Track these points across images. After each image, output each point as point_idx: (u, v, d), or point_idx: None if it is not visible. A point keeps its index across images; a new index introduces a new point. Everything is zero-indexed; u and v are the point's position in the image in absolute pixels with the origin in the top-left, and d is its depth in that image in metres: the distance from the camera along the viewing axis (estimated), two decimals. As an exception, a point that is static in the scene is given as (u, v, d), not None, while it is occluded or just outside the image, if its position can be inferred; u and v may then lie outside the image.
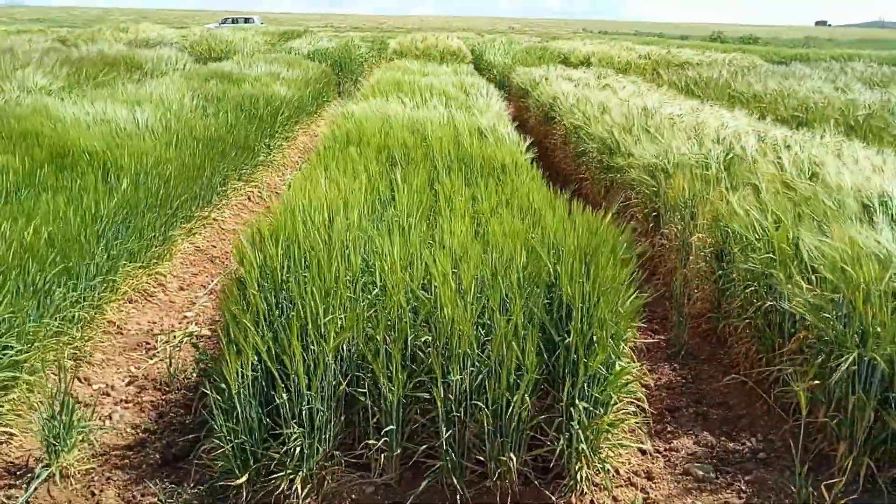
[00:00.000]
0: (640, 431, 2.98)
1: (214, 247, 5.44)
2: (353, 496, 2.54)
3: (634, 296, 2.63)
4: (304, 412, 2.47)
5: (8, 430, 2.76)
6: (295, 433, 2.45)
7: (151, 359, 3.66)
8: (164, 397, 3.30)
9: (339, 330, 2.47)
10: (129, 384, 3.40)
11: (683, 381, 3.62)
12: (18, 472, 2.62)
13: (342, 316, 2.51)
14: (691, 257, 4.23)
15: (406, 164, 3.82)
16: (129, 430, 3.00)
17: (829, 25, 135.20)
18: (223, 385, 2.50)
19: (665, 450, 3.03)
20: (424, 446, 2.56)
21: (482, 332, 2.56)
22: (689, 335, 3.97)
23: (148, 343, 3.84)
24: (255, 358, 2.45)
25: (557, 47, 20.45)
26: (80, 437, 2.70)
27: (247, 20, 33.37)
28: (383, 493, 2.56)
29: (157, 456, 2.78)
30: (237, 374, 2.42)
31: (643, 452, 2.96)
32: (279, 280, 2.60)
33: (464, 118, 5.58)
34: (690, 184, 4.37)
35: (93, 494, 2.54)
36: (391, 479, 2.58)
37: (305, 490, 2.47)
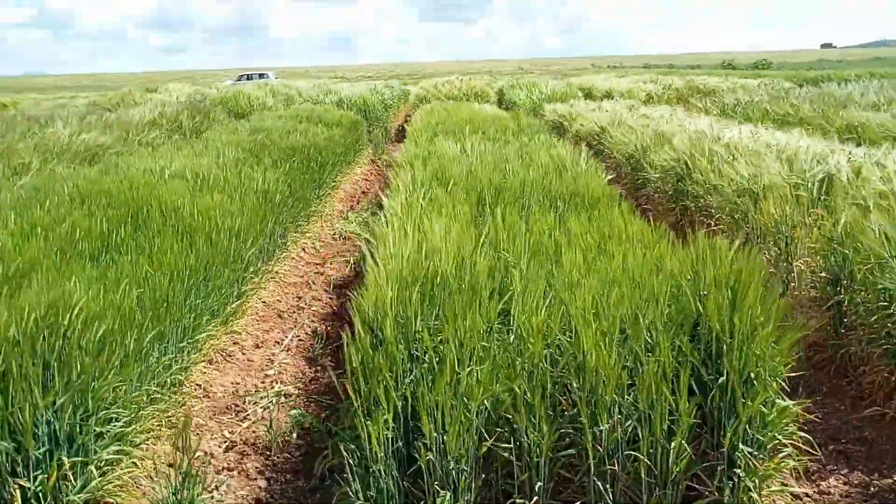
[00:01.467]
0: (786, 473, 2.75)
1: (280, 301, 5.30)
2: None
3: (791, 328, 2.44)
4: (448, 474, 2.28)
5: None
6: (440, 497, 2.26)
7: (243, 422, 3.49)
8: (267, 462, 3.12)
9: (478, 382, 2.29)
10: (227, 450, 3.23)
11: (811, 416, 3.39)
12: (136, 554, 2.44)
13: (479, 368, 2.33)
14: (792, 284, 4.03)
15: (496, 203, 3.68)
16: (241, 502, 2.81)
17: (835, 47, 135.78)
18: (353, 446, 2.33)
19: (816, 493, 2.79)
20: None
21: (625, 376, 2.37)
22: (803, 366, 3.74)
23: (236, 405, 3.67)
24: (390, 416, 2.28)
25: (579, 83, 20.50)
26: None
27: (262, 76, 33.64)
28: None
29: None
30: (373, 433, 2.24)
31: (796, 497, 2.73)
32: (412, 330, 2.43)
33: (535, 152, 5.47)
34: (782, 206, 4.20)
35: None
36: (538, 541, 2.37)
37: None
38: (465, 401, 2.26)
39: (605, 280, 2.61)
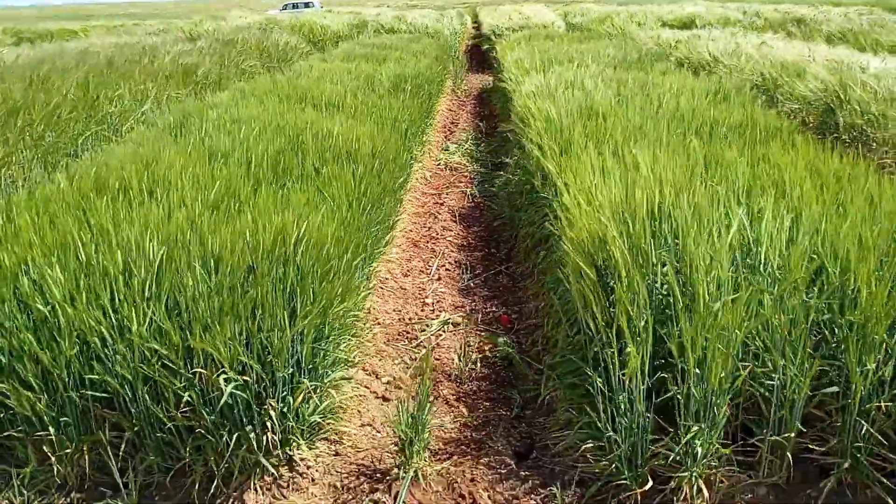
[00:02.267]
0: None
1: (411, 230, 5.27)
2: (747, 497, 2.30)
3: None
4: (702, 407, 2.24)
5: (345, 429, 2.63)
6: (693, 428, 2.22)
7: (417, 348, 3.51)
8: (460, 388, 3.13)
9: (734, 315, 2.21)
10: (413, 376, 3.25)
11: None
12: (371, 475, 2.48)
13: (731, 298, 2.25)
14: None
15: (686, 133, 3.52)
16: (449, 426, 2.84)
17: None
18: (599, 379, 2.30)
19: None
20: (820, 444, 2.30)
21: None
22: None
23: (406, 332, 3.69)
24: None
25: (649, 10, 19.59)
26: (426, 436, 2.54)
27: (307, 5, 32.62)
28: (776, 495, 2.32)
29: (510, 451, 2.61)
30: (617, 365, 2.21)
31: None
32: (649, 262, 2.36)
33: (662, 83, 5.24)
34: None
35: (462, 497, 2.38)
36: (780, 479, 2.33)
37: (696, 490, 2.25)
38: (724, 334, 2.19)
39: (854, 216, 2.48)
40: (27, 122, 4.92)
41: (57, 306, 2.33)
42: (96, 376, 2.31)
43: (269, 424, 2.35)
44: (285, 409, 2.40)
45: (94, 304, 2.33)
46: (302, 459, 2.48)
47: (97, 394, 2.34)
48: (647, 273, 2.40)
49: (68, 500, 2.36)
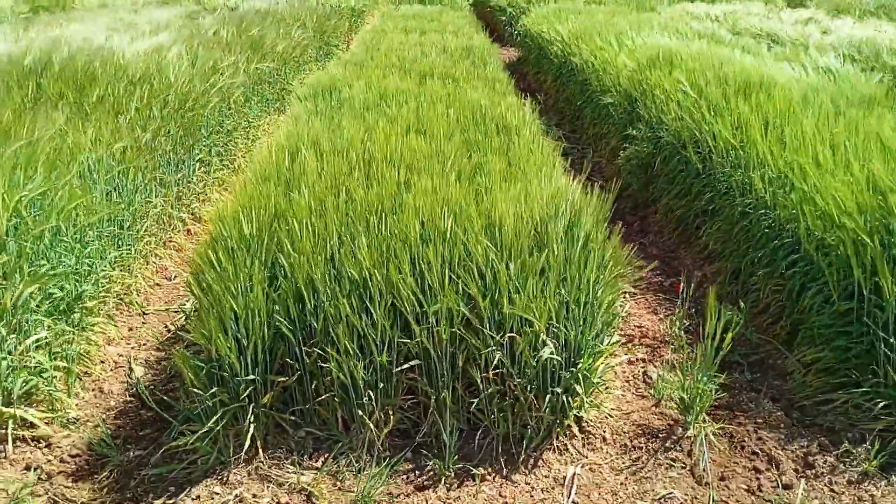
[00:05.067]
0: None
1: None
2: None
3: None
4: None
5: (615, 392, 2.71)
6: None
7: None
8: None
9: None
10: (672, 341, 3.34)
11: None
12: (655, 435, 2.57)
13: None
14: None
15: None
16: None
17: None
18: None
19: None
20: None
21: None
22: None
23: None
24: None
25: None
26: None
27: None
28: None
29: (779, 411, 2.72)
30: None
31: None
32: None
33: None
34: None
35: (756, 455, 2.48)
36: None
37: None
38: None
39: None
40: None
41: (367, 272, 2.37)
42: (409, 340, 2.37)
43: (576, 388, 2.43)
44: (581, 373, 2.47)
45: (402, 269, 2.38)
46: (587, 421, 2.57)
47: (410, 362, 2.40)
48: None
49: (373, 461, 2.43)
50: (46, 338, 2.75)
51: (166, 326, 3.64)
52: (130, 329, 3.53)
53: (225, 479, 2.39)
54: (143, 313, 3.70)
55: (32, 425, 2.67)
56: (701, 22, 8.70)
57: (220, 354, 2.32)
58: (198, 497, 2.35)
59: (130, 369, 3.21)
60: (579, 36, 7.50)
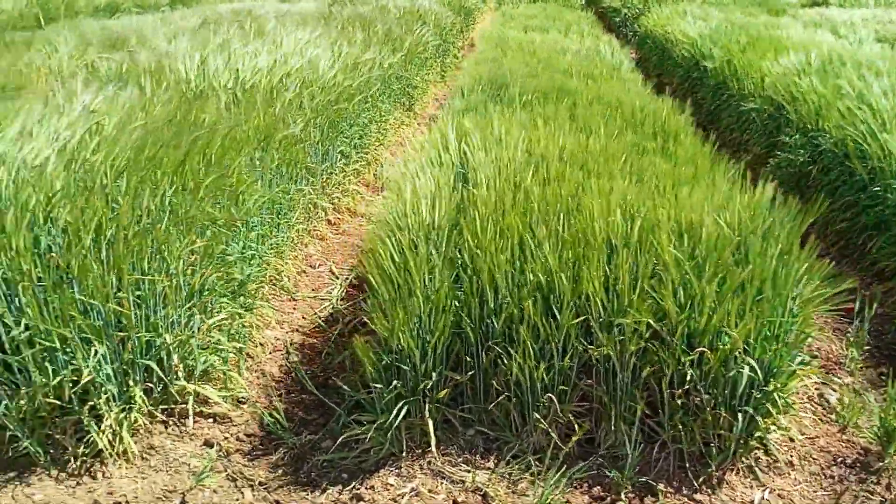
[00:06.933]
0: None
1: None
2: None
3: None
4: None
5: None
6: None
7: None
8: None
9: None
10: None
11: None
12: (851, 465, 2.42)
13: None
14: None
15: None
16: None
17: None
18: None
19: None
20: None
21: None
22: None
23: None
24: None
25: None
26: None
27: None
28: None
29: None
30: None
31: None
32: None
33: None
34: None
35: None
36: None
37: None
38: None
39: None
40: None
41: (553, 274, 2.33)
42: (594, 348, 2.31)
43: (769, 408, 2.31)
44: (775, 394, 2.34)
45: (593, 275, 2.31)
46: (773, 444, 2.43)
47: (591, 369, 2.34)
48: None
49: (545, 466, 2.38)
50: (225, 319, 2.85)
51: (315, 313, 3.72)
52: (283, 313, 3.63)
53: (399, 471, 2.40)
54: (293, 299, 3.80)
55: (206, 402, 2.78)
56: (843, 27, 8.22)
57: (403, 347, 2.32)
58: (372, 487, 2.37)
59: (287, 353, 3.29)
60: (713, 39, 7.22)
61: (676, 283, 2.29)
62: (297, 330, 3.52)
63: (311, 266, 4.18)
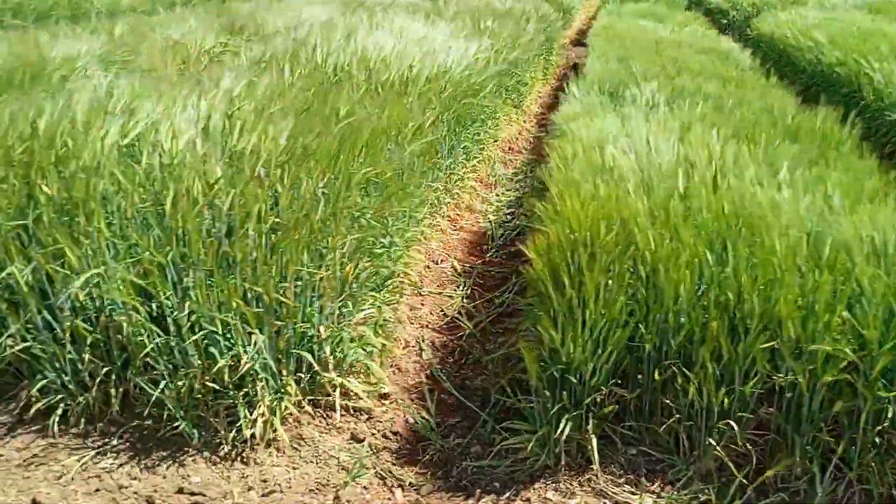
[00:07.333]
0: None
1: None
2: None
3: None
4: None
5: None
6: None
7: None
8: None
9: None
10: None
11: None
12: None
13: None
14: None
15: None
16: None
17: None
18: None
19: None
20: None
21: None
22: None
23: None
24: None
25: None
26: None
27: None
28: None
29: None
30: None
31: None
32: None
33: None
34: None
35: None
36: None
37: None
38: None
39: None
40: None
41: (743, 295, 2.18)
42: (782, 376, 2.16)
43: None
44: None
45: (788, 297, 2.15)
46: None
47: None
48: None
49: (713, 495, 2.24)
50: (372, 314, 2.82)
51: (441, 310, 3.66)
52: (412, 309, 3.59)
53: (557, 485, 2.31)
54: (420, 294, 3.75)
55: (350, 396, 2.75)
56: None
57: (574, 358, 2.22)
58: (528, 500, 2.28)
59: (421, 349, 3.24)
60: (846, 43, 6.82)
61: (879, 309, 2.11)
62: (427, 326, 3.47)
63: (433, 261, 4.14)
